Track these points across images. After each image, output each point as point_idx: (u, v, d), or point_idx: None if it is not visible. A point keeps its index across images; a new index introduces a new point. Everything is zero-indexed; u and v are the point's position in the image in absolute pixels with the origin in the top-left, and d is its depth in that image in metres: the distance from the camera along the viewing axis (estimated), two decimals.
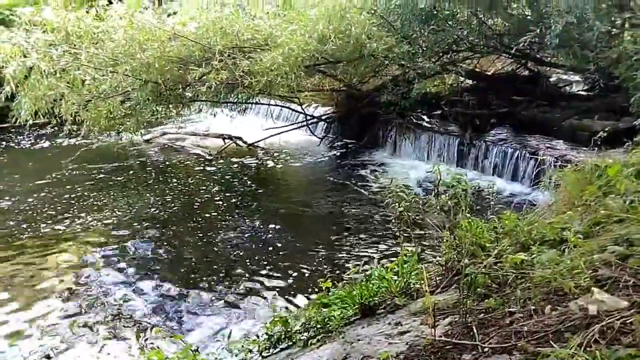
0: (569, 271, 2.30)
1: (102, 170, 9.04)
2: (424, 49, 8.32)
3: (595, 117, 7.98)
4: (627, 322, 1.84)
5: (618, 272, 2.21)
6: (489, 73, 10.51)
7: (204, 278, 5.39)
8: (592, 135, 5.45)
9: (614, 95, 7.84)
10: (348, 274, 3.51)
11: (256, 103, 10.82)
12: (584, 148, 7.16)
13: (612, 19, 6.60)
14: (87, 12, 8.56)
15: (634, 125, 7.27)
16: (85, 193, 7.92)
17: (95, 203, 7.53)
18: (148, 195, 7.93)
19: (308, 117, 10.74)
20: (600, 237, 2.62)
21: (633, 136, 5.28)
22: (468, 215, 2.93)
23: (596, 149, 4.81)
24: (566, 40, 6.86)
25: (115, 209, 7.29)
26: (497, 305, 2.37)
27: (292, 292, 5.06)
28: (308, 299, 4.63)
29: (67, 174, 8.86)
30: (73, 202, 7.54)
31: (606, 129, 6.18)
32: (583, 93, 9.94)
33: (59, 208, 7.30)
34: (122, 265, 5.71)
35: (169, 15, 9.02)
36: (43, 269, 5.62)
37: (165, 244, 6.28)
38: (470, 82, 10.25)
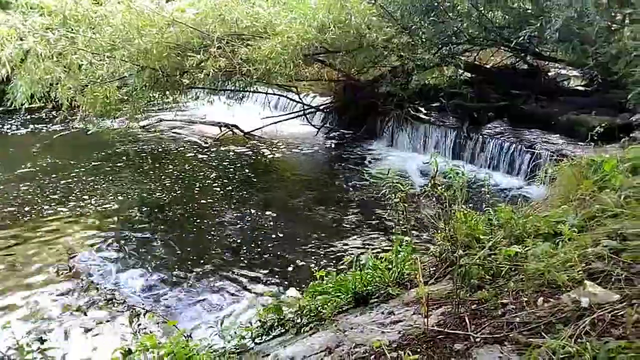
0: (563, 264, 2.32)
1: (97, 157, 9.01)
2: (424, 40, 8.28)
3: (592, 112, 7.97)
4: (618, 314, 1.86)
5: (611, 265, 2.22)
6: (488, 66, 10.48)
7: (198, 265, 5.40)
8: (590, 131, 5.44)
9: (612, 90, 7.84)
10: (342, 263, 3.52)
11: (254, 91, 10.78)
12: (581, 143, 7.16)
13: (612, 14, 6.57)
14: None
15: (630, 121, 7.30)
16: (80, 179, 7.90)
17: (90, 189, 7.52)
18: (143, 181, 7.92)
19: (306, 107, 10.71)
20: (594, 231, 2.63)
21: (630, 132, 5.29)
22: (463, 207, 2.93)
23: (593, 144, 4.81)
24: (566, 34, 6.83)
25: (110, 195, 7.27)
26: (490, 297, 2.38)
27: (286, 280, 5.07)
28: (302, 287, 4.64)
29: (61, 159, 8.84)
30: (68, 187, 7.53)
31: (603, 125, 6.16)
32: (581, 88, 9.94)
33: (53, 194, 7.28)
34: (117, 250, 5.72)
35: (167, 1, 8.93)
36: (37, 254, 5.62)
37: (160, 230, 6.28)
38: (469, 74, 10.21)
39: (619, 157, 3.58)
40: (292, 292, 4.71)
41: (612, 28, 6.55)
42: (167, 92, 8.95)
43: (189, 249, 5.80)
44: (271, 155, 9.47)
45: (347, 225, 6.37)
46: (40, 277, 5.12)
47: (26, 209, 6.73)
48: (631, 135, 4.20)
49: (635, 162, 3.40)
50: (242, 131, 10.42)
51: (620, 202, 2.80)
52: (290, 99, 11.02)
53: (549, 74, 10.24)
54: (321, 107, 10.97)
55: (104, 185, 7.68)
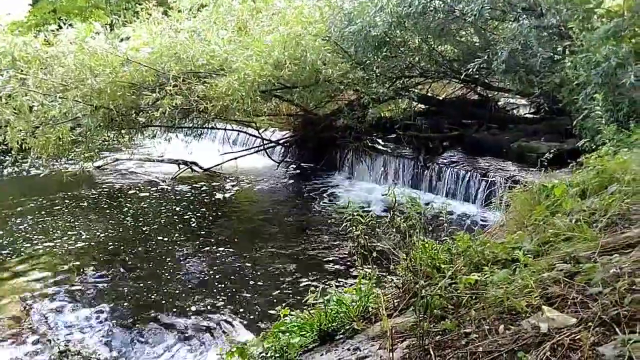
0: (521, 290, 2.35)
1: (51, 199, 8.70)
2: (378, 74, 8.49)
3: (542, 138, 8.30)
4: (576, 338, 1.90)
5: (566, 289, 2.27)
6: (441, 98, 10.83)
7: (158, 308, 5.22)
8: (540, 157, 5.67)
9: (559, 117, 8.20)
10: (306, 300, 3.48)
11: (212, 128, 10.75)
12: (532, 169, 7.42)
13: (554, 46, 6.93)
14: (36, 36, 8.36)
15: (577, 147, 7.62)
16: (32, 223, 7.58)
17: (43, 233, 7.21)
18: (99, 223, 7.67)
19: (265, 142, 10.73)
20: (549, 256, 2.70)
21: (577, 157, 5.51)
22: (422, 237, 2.96)
23: (543, 169, 5.00)
24: (512, 65, 7.14)
25: (64, 239, 7.00)
26: (453, 327, 2.39)
27: (249, 321, 4.95)
28: (266, 327, 4.54)
29: (11, 204, 8.49)
30: (19, 233, 7.21)
31: (552, 150, 6.44)
32: (530, 116, 10.37)
33: (3, 239, 6.95)
34: (71, 297, 5.47)
35: (121, 41, 8.87)
36: None
37: (117, 274, 6.05)
38: (422, 106, 10.52)
39: (568, 181, 3.71)
40: (258, 330, 4.61)
41: (555, 58, 6.91)
42: (123, 132, 8.81)
43: (147, 292, 5.60)
44: (231, 192, 9.39)
45: (311, 259, 6.32)
46: None
47: None
48: (578, 159, 4.36)
49: (583, 186, 3.54)
50: (201, 168, 10.32)
51: (572, 226, 2.89)
52: (250, 134, 11.04)
53: (499, 103, 10.65)
54: (281, 141, 11.02)
55: (58, 229, 7.39)
